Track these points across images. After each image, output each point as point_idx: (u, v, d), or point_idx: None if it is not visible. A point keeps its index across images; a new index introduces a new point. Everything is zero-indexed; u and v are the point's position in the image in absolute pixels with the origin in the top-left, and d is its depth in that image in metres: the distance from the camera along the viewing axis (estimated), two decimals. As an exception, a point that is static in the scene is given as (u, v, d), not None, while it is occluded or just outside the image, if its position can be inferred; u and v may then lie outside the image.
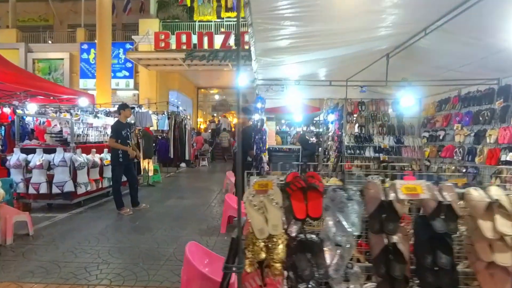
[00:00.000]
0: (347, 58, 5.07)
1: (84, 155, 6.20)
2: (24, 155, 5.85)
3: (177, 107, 11.89)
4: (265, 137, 5.85)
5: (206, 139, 16.24)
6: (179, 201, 7.15)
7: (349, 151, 8.15)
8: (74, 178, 5.98)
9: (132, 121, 9.14)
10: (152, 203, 6.90)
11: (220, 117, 21.98)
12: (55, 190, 5.78)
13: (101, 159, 6.72)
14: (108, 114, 8.64)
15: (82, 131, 6.68)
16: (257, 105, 5.81)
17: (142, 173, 9.48)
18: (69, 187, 5.84)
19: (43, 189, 5.79)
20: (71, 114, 6.34)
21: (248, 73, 12.06)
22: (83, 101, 7.57)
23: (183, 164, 13.33)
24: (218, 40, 15.12)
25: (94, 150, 6.57)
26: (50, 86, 7.60)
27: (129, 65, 16.66)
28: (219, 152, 17.52)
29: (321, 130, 12.96)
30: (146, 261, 3.84)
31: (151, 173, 9.48)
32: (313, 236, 1.85)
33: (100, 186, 6.74)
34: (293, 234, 1.87)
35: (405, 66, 5.68)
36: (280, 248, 1.77)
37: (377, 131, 8.13)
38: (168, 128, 11.03)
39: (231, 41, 14.86)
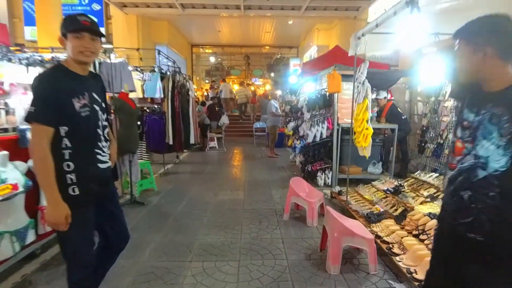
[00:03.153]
0: None
1: None
2: None
3: (174, 62, 7.37)
4: None
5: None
6: (222, 270, 2.93)
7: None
8: None
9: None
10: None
11: (221, 83, 17.34)
12: None
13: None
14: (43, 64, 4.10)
15: None
16: None
17: (120, 179, 5.17)
18: None
19: None
20: None
21: None
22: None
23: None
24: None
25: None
26: None
27: (96, 7, 11.66)
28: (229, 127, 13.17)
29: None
30: None
31: (135, 178, 5.15)
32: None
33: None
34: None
35: None
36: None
37: None
38: (163, 96, 6.57)
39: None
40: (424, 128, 5.74)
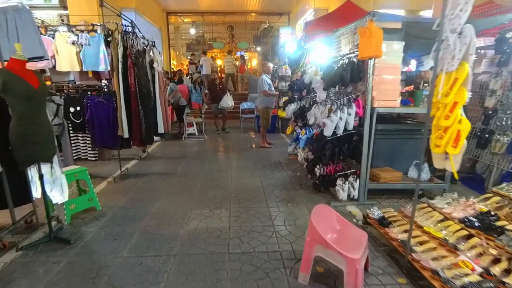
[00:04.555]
0: None
1: None
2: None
3: (131, 22, 5.29)
4: None
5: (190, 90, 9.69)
6: None
7: None
8: None
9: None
10: None
11: (202, 56, 15.13)
12: None
13: None
14: None
15: None
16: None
17: (33, 202, 3.25)
18: None
19: None
20: None
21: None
22: None
23: (156, 137, 6.93)
24: None
25: None
26: None
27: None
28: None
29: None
30: None
31: (59, 198, 3.22)
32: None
33: None
34: None
35: None
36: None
37: None
38: (109, 69, 4.57)
39: None
40: (490, 112, 3.96)
